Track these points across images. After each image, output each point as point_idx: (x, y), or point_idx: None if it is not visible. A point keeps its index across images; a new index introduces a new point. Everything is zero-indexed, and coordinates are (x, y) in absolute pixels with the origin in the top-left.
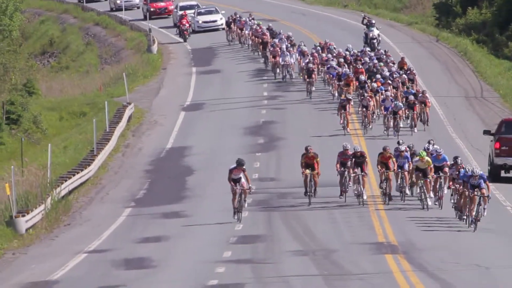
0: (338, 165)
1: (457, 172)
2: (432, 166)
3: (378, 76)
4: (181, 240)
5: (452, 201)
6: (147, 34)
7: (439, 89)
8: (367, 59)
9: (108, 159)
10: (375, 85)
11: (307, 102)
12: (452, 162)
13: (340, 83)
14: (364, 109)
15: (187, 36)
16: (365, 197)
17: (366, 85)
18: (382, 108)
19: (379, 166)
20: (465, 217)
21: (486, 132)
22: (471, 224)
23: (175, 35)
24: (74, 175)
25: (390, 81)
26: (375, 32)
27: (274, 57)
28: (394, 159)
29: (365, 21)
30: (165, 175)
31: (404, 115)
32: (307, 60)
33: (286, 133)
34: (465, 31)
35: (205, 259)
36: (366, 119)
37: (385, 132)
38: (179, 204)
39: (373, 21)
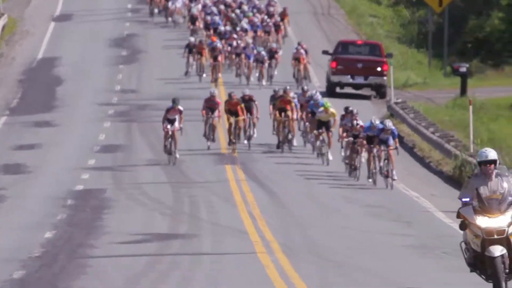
0: (203, 111)
1: (351, 124)
2: (337, 118)
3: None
4: (52, 148)
5: (343, 154)
6: None
7: (291, 7)
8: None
9: None
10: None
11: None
12: (344, 113)
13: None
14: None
15: None
16: (245, 142)
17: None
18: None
19: (276, 112)
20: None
21: (325, 52)
22: (388, 183)
23: None
24: None
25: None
26: None
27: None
28: (294, 105)
29: None
30: (37, 85)
31: (265, 63)
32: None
33: (148, 46)
34: None
35: (72, 166)
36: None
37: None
38: (50, 113)
39: None
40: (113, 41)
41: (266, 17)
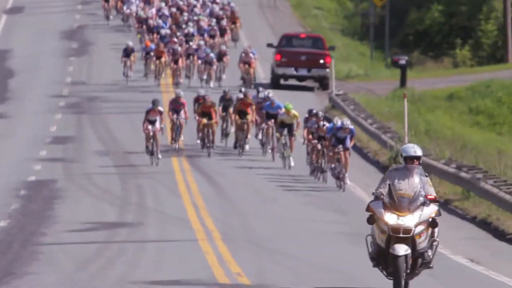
0: (170, 113)
1: (317, 126)
2: (300, 120)
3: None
4: (4, 140)
5: (308, 157)
6: None
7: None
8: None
9: None
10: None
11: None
12: (307, 115)
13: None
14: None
15: None
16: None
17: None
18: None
19: (236, 116)
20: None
21: (269, 45)
22: (340, 184)
23: None
24: None
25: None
26: None
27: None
28: (254, 108)
29: None
30: None
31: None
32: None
33: (98, 38)
34: None
35: (25, 157)
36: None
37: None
38: (1, 105)
39: None
40: (63, 34)
41: (214, 20)
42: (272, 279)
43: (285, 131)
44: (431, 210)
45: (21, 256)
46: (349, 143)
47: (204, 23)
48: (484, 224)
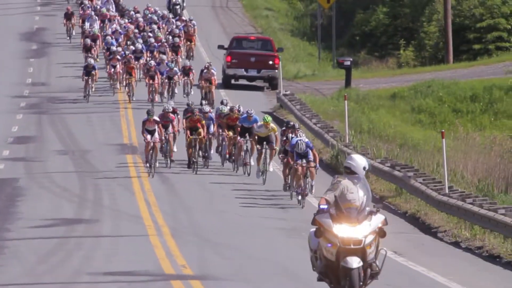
0: (144, 134)
1: (285, 138)
2: (277, 133)
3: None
4: None
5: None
6: None
7: (191, 1)
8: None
9: None
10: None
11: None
12: (284, 128)
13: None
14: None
15: None
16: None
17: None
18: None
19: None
20: (293, 191)
21: (220, 47)
22: (299, 199)
23: None
24: None
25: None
26: None
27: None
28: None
29: None
30: None
31: (179, 81)
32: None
33: (57, 40)
34: None
35: None
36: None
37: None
38: None
39: None
40: (23, 35)
41: (170, 38)
42: (213, 270)
43: (264, 144)
44: (379, 220)
45: None
46: (311, 156)
47: (153, 40)
48: (413, 219)
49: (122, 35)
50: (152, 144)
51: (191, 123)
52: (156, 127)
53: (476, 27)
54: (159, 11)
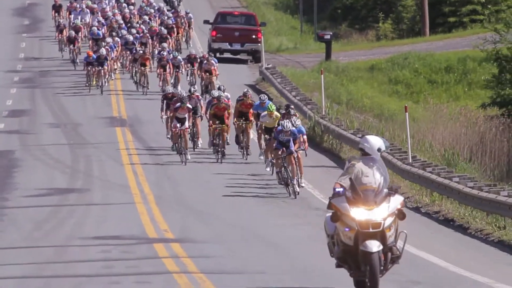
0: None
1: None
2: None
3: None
4: None
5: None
6: None
7: None
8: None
9: None
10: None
11: None
12: (284, 111)
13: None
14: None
15: None
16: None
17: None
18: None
19: (212, 121)
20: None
21: (206, 22)
22: (289, 191)
23: None
24: None
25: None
26: None
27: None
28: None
29: None
30: None
31: (183, 69)
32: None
33: (48, 15)
34: None
35: None
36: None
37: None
38: None
39: None
40: (15, 11)
41: (163, 28)
42: (193, 235)
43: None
44: (397, 201)
45: None
46: (293, 146)
47: (134, 30)
48: None
49: (105, 26)
50: (179, 132)
51: (216, 110)
52: (187, 115)
53: (451, 1)
54: (154, 3)
